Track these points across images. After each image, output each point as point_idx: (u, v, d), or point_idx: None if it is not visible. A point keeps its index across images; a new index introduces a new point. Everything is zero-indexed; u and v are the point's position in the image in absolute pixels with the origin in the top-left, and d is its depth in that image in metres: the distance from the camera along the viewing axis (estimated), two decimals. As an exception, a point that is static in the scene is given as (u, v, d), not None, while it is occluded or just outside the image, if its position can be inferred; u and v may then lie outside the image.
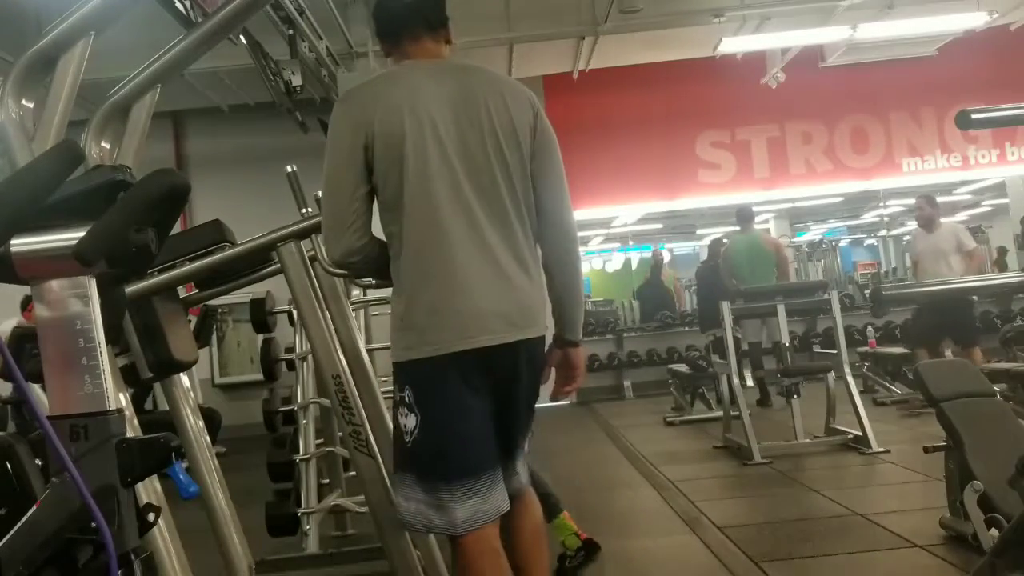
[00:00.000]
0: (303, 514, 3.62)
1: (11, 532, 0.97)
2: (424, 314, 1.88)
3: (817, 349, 9.02)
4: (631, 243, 16.32)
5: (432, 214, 1.87)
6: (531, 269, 1.97)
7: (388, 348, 4.98)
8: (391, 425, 2.55)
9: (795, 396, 5.61)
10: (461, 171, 1.89)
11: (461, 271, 1.87)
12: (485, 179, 1.91)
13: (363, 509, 3.24)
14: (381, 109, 1.89)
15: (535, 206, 1.99)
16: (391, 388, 4.08)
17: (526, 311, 1.94)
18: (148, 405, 6.64)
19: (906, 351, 7.45)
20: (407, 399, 1.90)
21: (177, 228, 1.25)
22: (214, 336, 8.84)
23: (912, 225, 14.85)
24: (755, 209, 8.41)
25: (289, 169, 2.22)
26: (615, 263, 16.56)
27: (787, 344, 5.88)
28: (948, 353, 6.50)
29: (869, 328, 8.86)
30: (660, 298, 11.05)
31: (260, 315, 3.85)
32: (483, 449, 1.91)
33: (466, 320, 1.87)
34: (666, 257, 12.78)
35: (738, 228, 8.09)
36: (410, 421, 1.89)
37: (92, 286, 1.00)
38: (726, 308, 5.71)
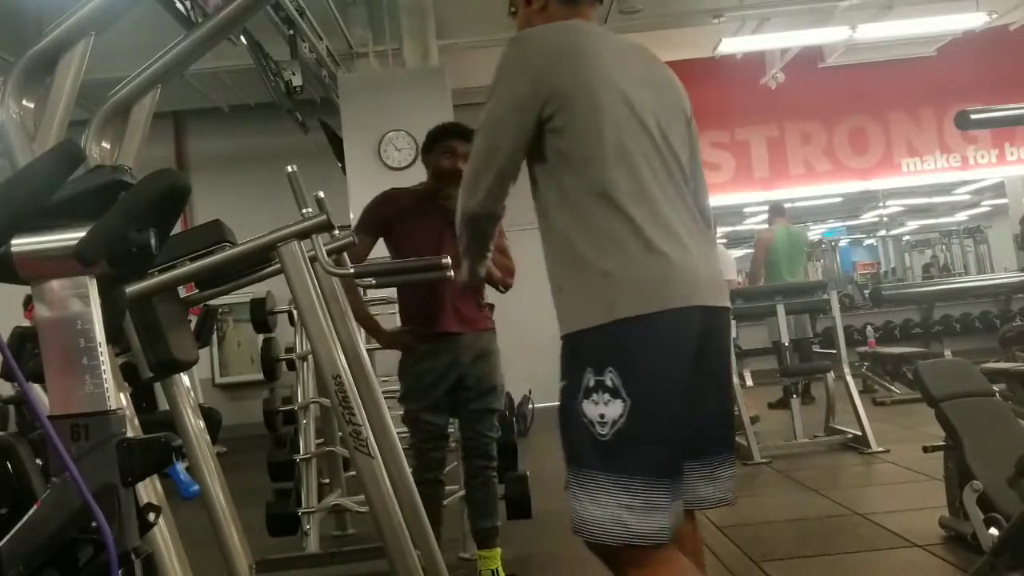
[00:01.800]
0: (303, 514, 3.62)
1: (12, 532, 0.97)
2: (638, 264, 1.60)
3: (817, 349, 9.03)
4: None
5: (636, 170, 1.66)
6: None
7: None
8: (393, 427, 2.57)
9: (795, 396, 5.64)
10: (656, 134, 1.72)
11: (673, 226, 1.65)
12: (667, 151, 1.75)
13: (363, 509, 3.24)
14: (570, 60, 1.70)
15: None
16: (392, 388, 4.07)
17: (722, 281, 1.77)
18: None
19: (905, 351, 7.46)
20: (609, 382, 1.55)
21: (177, 228, 1.25)
22: (214, 336, 8.84)
23: (912, 224, 14.87)
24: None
25: (289, 169, 2.22)
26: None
27: (787, 344, 5.89)
28: None
29: (869, 328, 8.87)
30: None
31: (260, 315, 3.86)
32: (690, 435, 1.66)
33: (687, 274, 1.62)
34: None
35: (767, 223, 7.98)
36: (612, 409, 1.55)
37: (92, 286, 1.00)
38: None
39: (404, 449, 2.68)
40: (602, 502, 1.55)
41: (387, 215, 3.10)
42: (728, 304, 1.76)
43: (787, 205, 8.17)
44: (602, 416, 1.56)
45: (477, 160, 1.74)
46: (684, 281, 1.62)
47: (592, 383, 1.57)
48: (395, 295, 4.39)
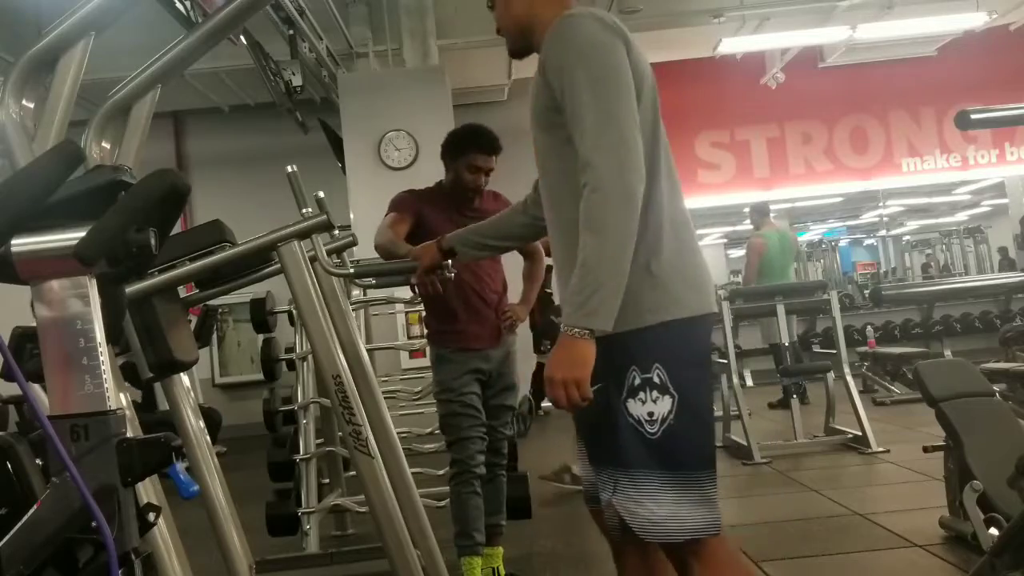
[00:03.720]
0: (303, 514, 3.62)
1: (11, 532, 0.97)
2: (677, 267, 1.59)
3: (817, 349, 9.04)
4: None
5: (670, 172, 1.64)
6: None
7: (388, 348, 4.99)
8: (393, 427, 2.57)
9: (793, 396, 5.65)
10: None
11: (693, 232, 1.67)
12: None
13: (363, 509, 3.24)
14: (636, 48, 1.61)
15: None
16: (391, 388, 4.05)
17: None
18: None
19: (905, 351, 7.46)
20: (657, 379, 1.54)
21: (177, 228, 1.25)
22: (214, 336, 8.84)
23: (912, 224, 14.90)
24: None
25: (289, 169, 2.22)
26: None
27: (787, 344, 5.89)
28: None
29: (868, 328, 8.87)
30: None
31: (260, 315, 3.86)
32: None
33: (708, 278, 1.67)
34: None
35: (752, 225, 7.98)
36: (661, 406, 1.53)
37: (92, 286, 1.00)
38: (726, 308, 5.71)
39: (404, 449, 2.68)
40: (658, 500, 1.53)
41: (420, 208, 3.04)
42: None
43: (787, 205, 8.19)
44: (652, 414, 1.54)
45: (615, 147, 1.50)
46: (706, 287, 1.66)
47: (638, 381, 1.54)
48: (394, 295, 4.41)
